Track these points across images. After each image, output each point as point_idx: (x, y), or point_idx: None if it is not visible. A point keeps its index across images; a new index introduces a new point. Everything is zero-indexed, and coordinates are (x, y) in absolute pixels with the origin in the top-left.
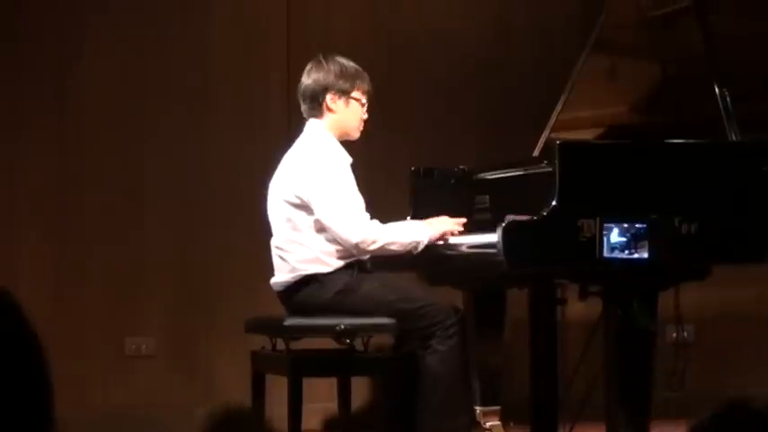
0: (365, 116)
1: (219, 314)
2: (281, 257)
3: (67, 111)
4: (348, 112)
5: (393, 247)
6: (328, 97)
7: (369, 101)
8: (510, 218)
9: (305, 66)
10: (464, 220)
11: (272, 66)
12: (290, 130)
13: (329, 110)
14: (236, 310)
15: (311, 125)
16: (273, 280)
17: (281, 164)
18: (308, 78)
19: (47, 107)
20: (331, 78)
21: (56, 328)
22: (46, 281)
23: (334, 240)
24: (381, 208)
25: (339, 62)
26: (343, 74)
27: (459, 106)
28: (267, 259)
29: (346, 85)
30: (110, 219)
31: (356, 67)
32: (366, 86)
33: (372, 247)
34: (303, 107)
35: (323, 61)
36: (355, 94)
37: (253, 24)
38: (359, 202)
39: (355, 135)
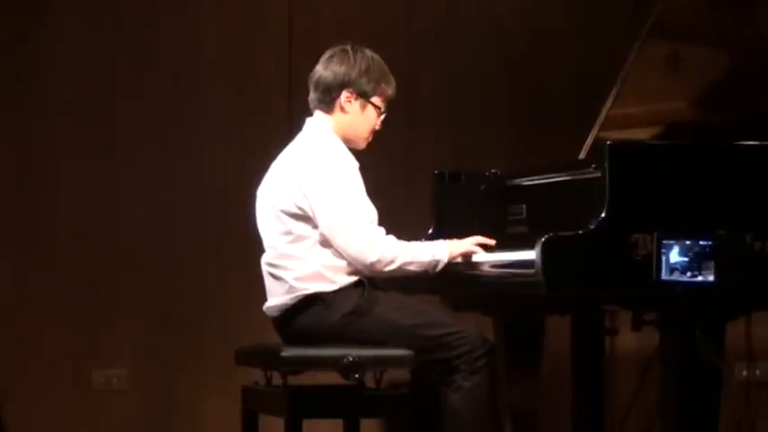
0: (378, 127)
1: (205, 343)
2: (274, 276)
3: (30, 109)
4: (361, 118)
5: (411, 267)
6: (344, 95)
7: (387, 109)
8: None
9: (308, 59)
10: (493, 242)
11: (272, 59)
12: (291, 133)
13: (341, 109)
14: (225, 337)
15: (314, 122)
16: (267, 304)
17: (275, 166)
18: (326, 68)
19: (6, 108)
20: (353, 75)
21: (13, 357)
22: (3, 300)
23: (339, 253)
24: (399, 219)
25: (367, 57)
26: (368, 72)
27: (491, 100)
28: (261, 279)
29: (368, 87)
30: (77, 231)
31: (385, 68)
32: (390, 92)
33: (389, 268)
34: (312, 96)
35: (349, 52)
36: (375, 99)
37: (248, 10)
38: (372, 213)
39: (361, 145)
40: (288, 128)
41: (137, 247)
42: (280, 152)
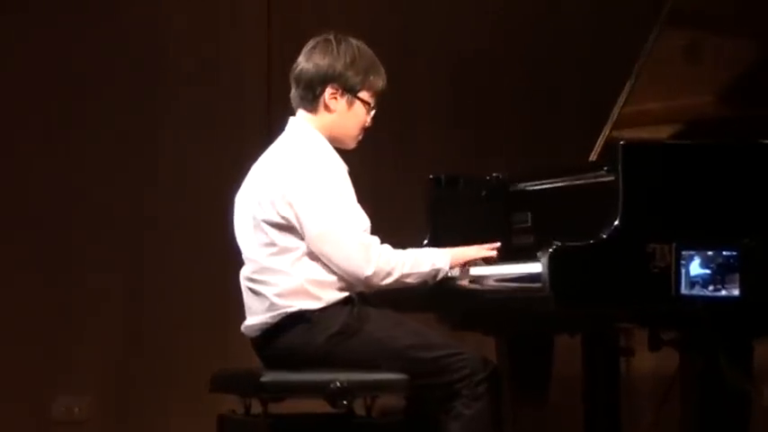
0: (369, 123)
1: (176, 367)
2: (254, 291)
3: None
4: (348, 116)
5: (410, 279)
6: (328, 92)
7: (378, 104)
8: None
9: (289, 52)
10: (497, 244)
11: (247, 49)
12: (271, 134)
13: (326, 108)
14: (199, 361)
15: (297, 122)
16: (246, 323)
17: (255, 171)
18: (308, 61)
19: None
20: (338, 68)
21: None
22: None
23: (327, 267)
24: (389, 229)
25: (353, 48)
26: (354, 65)
27: (493, 96)
28: (237, 296)
29: (355, 81)
30: (34, 242)
31: (373, 57)
32: (380, 85)
33: (387, 281)
34: (294, 93)
35: (333, 42)
36: (363, 93)
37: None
38: (364, 221)
39: (351, 145)
40: (267, 128)
41: (100, 264)
42: (258, 155)
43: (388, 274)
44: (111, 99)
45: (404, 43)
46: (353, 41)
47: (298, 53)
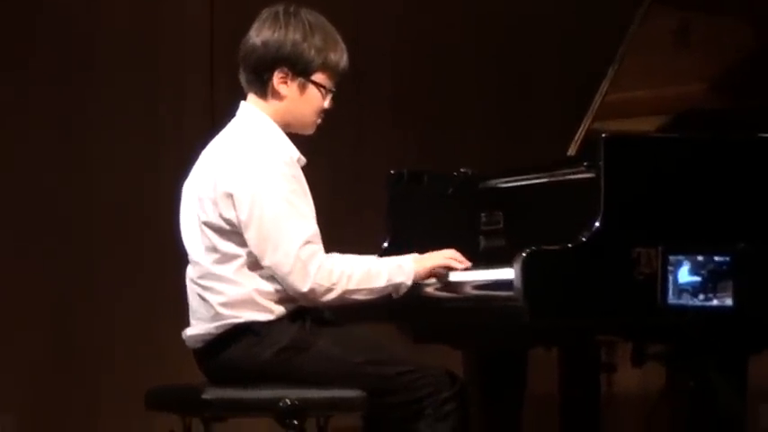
0: (329, 106)
1: (109, 382)
2: (201, 297)
3: None
4: (301, 102)
5: (358, 296)
6: (277, 76)
7: (338, 84)
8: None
9: (235, 20)
10: (468, 262)
11: (189, 28)
12: (215, 122)
13: (275, 94)
14: (134, 375)
15: (247, 108)
16: (188, 332)
17: (201, 161)
18: (257, 36)
19: None
20: (287, 47)
21: None
22: None
23: (275, 277)
24: (346, 231)
25: (304, 22)
26: (305, 41)
27: (460, 84)
28: (179, 303)
29: (307, 61)
30: None
31: (329, 32)
32: (337, 64)
33: (327, 298)
34: (242, 75)
35: (281, 16)
36: (318, 76)
37: None
38: (307, 229)
39: (309, 131)
40: (210, 115)
41: (26, 268)
42: (200, 142)
43: (328, 291)
44: (33, 75)
45: (363, 30)
46: (305, 14)
47: (245, 25)
